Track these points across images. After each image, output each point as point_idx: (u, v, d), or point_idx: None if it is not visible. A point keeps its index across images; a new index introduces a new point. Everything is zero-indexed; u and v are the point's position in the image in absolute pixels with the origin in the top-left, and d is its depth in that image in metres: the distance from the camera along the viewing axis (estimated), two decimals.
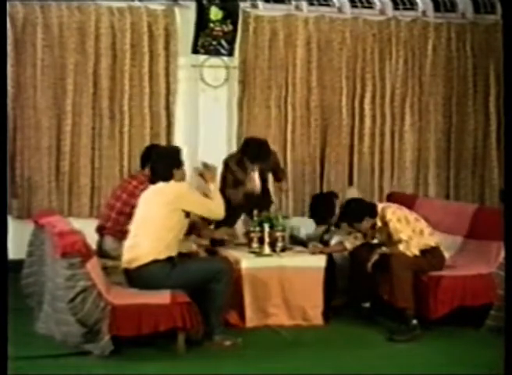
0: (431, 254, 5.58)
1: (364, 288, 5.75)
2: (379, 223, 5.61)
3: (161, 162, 5.27)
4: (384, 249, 5.54)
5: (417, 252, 5.48)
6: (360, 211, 5.61)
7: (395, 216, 5.55)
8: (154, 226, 5.00)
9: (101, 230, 5.93)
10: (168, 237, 4.99)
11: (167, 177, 5.15)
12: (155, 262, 4.91)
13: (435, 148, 8.23)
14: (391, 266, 5.37)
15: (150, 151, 5.98)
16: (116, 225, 5.76)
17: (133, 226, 5.16)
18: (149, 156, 5.81)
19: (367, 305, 5.79)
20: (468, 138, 8.32)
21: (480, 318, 5.29)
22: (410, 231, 5.52)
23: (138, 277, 4.96)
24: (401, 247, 5.47)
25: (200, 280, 4.96)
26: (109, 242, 5.80)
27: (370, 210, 5.60)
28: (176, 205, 5.01)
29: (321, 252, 5.79)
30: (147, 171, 5.73)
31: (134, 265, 4.96)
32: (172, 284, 4.87)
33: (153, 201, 5.12)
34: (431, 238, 5.63)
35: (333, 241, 6.20)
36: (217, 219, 5.41)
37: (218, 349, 4.90)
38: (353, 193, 6.92)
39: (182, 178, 5.25)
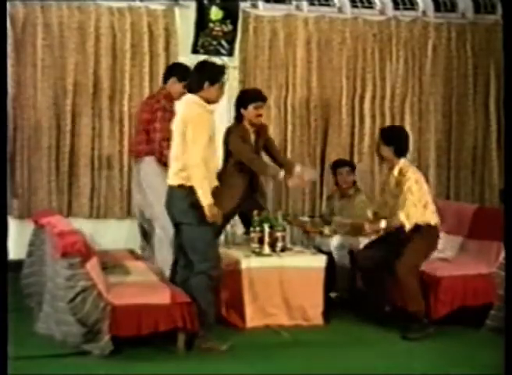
0: (428, 232, 5.45)
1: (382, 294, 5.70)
2: (396, 175, 5.51)
3: (195, 72, 4.93)
4: (383, 223, 5.44)
5: (416, 221, 5.35)
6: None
7: (415, 176, 5.48)
8: (176, 146, 4.84)
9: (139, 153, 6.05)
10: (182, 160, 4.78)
11: (194, 89, 4.82)
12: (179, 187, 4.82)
13: (435, 148, 8.23)
14: (397, 274, 5.35)
15: (173, 67, 6.28)
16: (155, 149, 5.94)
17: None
18: (171, 72, 6.10)
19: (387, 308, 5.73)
20: (468, 138, 8.32)
21: (480, 318, 5.29)
22: (417, 199, 5.40)
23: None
24: (401, 216, 5.34)
25: None
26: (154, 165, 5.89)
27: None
28: (182, 127, 4.76)
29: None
30: (167, 87, 6.03)
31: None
32: None
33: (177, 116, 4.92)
34: (432, 216, 5.50)
35: (334, 242, 6.20)
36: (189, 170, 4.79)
37: (198, 351, 4.84)
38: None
39: (215, 97, 4.88)
